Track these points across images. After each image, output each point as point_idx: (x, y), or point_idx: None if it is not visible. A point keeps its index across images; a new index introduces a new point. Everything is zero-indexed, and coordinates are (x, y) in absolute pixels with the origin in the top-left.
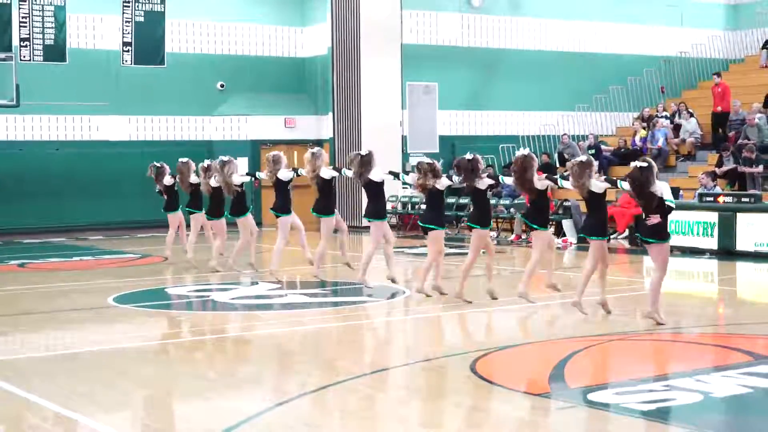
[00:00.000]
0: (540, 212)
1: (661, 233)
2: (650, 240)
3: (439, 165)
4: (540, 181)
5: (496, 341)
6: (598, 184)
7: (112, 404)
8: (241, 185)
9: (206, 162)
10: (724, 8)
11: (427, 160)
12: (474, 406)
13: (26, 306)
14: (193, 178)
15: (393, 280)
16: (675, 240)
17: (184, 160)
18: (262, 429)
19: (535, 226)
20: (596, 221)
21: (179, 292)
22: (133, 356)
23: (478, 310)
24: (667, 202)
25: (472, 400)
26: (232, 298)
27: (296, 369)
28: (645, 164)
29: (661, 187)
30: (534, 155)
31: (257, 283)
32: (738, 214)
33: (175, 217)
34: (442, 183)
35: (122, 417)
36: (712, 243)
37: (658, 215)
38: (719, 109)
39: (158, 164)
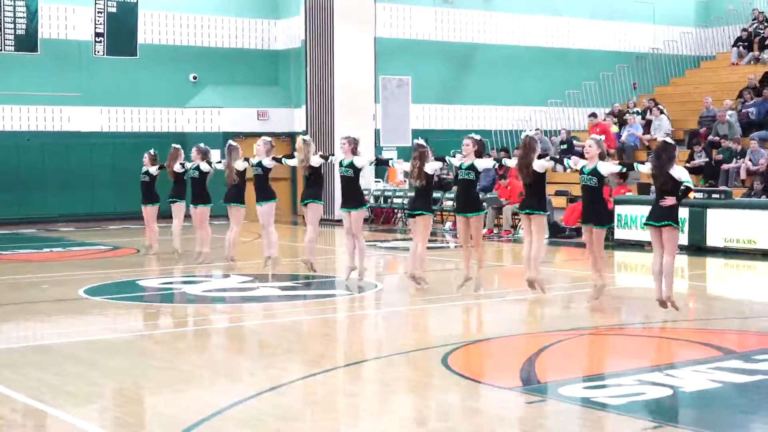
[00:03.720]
0: (537, 197)
1: (675, 216)
2: (665, 223)
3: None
4: (538, 163)
5: (467, 335)
6: (609, 167)
7: (83, 397)
8: (243, 171)
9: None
10: (696, 5)
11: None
12: (445, 399)
13: None
14: (177, 167)
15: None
16: (645, 235)
17: (177, 145)
18: (234, 422)
19: (536, 212)
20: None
21: (151, 285)
22: (105, 348)
23: (449, 303)
24: (685, 183)
25: (443, 394)
26: (204, 291)
27: (269, 362)
28: (670, 141)
29: (679, 172)
30: (536, 139)
31: (229, 276)
32: (708, 210)
33: (180, 208)
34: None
35: (93, 409)
36: (683, 238)
37: (673, 197)
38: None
39: (176, 145)
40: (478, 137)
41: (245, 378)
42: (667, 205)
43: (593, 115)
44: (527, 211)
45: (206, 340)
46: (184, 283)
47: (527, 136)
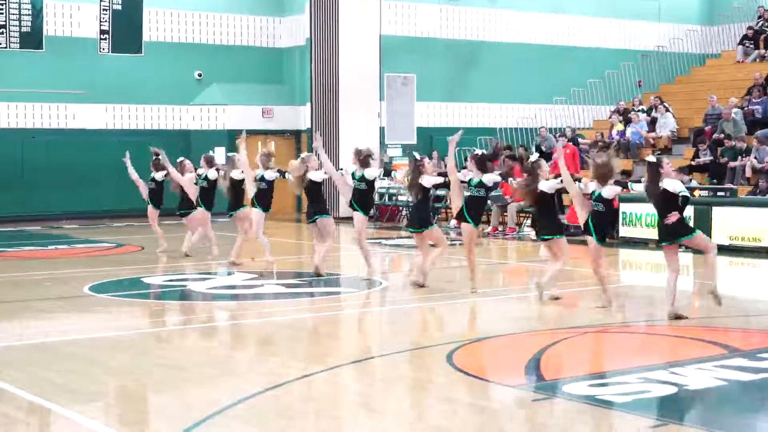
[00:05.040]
0: (550, 219)
1: (679, 232)
2: (673, 241)
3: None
4: (547, 183)
5: (472, 333)
6: (612, 189)
7: (87, 394)
8: (241, 182)
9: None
10: (701, 3)
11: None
12: (450, 397)
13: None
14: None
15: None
16: (650, 233)
17: (180, 159)
18: (238, 420)
19: (554, 237)
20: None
21: (155, 282)
22: (108, 346)
23: (454, 301)
24: (681, 194)
25: (448, 391)
26: (209, 288)
27: (272, 360)
28: (653, 160)
29: (672, 184)
30: (541, 160)
31: (233, 273)
32: (713, 208)
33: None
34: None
35: (97, 407)
36: None
37: (676, 212)
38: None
39: (180, 159)
40: (478, 152)
41: (249, 375)
42: (672, 221)
43: (563, 135)
44: (545, 237)
45: (210, 338)
46: (189, 280)
47: (531, 162)
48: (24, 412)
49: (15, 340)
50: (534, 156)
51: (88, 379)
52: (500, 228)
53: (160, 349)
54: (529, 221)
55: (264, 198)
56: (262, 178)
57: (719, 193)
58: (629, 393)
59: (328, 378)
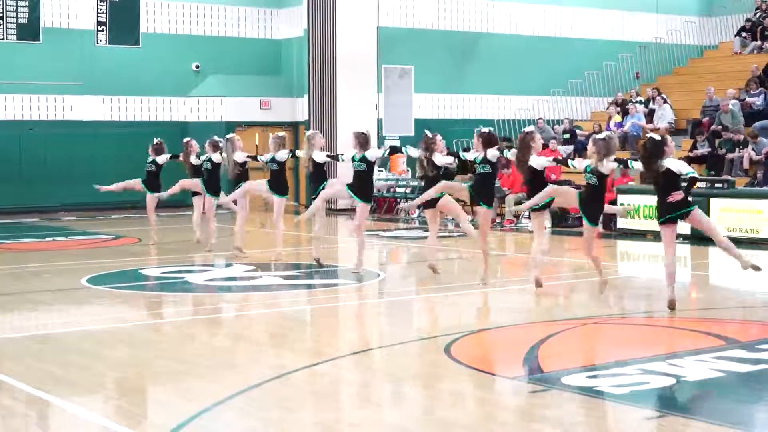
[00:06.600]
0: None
1: (680, 207)
2: (674, 214)
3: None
4: (537, 160)
5: (470, 324)
6: (609, 164)
7: (85, 386)
8: (243, 164)
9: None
10: None
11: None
12: (448, 388)
13: None
14: (194, 159)
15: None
16: (648, 225)
17: (187, 139)
18: (237, 412)
19: (543, 209)
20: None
21: (153, 274)
22: (107, 338)
23: (452, 293)
24: (689, 175)
25: (445, 383)
26: (207, 280)
27: (271, 351)
28: (657, 137)
29: (677, 164)
30: (535, 133)
31: (231, 265)
32: (711, 200)
33: (199, 201)
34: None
35: (96, 399)
36: (686, 228)
37: (680, 192)
38: None
39: (186, 139)
40: (485, 130)
41: (248, 367)
42: (675, 200)
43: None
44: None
45: (208, 330)
46: (187, 272)
47: (524, 132)
48: (23, 405)
49: (14, 332)
50: (528, 128)
51: (87, 371)
52: (498, 220)
53: (159, 341)
54: (527, 213)
55: (279, 182)
56: (273, 160)
57: (717, 185)
58: (628, 384)
59: (327, 369)
